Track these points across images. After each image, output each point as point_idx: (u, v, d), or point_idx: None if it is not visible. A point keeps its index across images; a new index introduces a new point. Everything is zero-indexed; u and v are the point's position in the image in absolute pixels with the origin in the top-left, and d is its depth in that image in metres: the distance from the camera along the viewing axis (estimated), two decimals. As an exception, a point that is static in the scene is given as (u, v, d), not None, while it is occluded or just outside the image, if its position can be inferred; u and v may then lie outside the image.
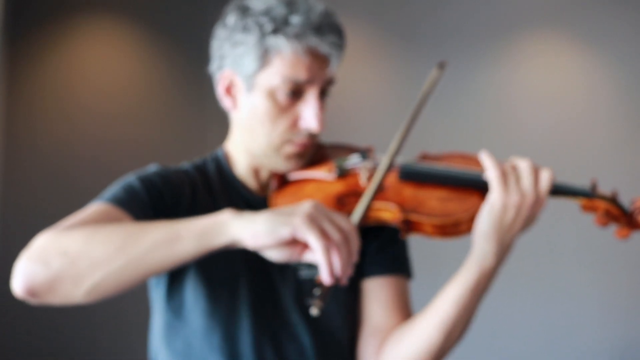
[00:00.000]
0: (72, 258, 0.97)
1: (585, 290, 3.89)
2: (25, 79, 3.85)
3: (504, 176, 1.09)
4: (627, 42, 4.00)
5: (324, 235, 0.94)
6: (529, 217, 1.11)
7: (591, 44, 4.04)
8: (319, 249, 0.94)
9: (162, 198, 1.17)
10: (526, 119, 4.05)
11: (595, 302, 3.88)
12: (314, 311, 0.97)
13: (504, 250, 1.11)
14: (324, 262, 0.94)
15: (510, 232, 1.10)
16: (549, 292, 3.86)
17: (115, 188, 1.16)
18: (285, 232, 0.94)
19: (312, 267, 1.21)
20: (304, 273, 1.21)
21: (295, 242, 0.97)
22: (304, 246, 0.97)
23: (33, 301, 1.00)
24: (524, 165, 1.11)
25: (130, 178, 1.18)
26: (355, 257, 0.97)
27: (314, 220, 0.95)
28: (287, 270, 1.21)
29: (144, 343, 1.29)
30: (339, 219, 0.97)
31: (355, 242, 0.97)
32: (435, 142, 4.03)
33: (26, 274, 0.98)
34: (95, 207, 1.09)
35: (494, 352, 3.79)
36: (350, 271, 0.97)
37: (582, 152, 3.98)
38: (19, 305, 3.65)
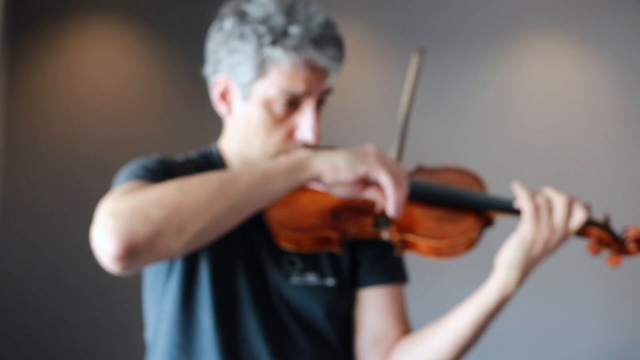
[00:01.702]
0: (173, 208, 0.97)
1: (584, 294, 3.89)
2: (26, 79, 3.85)
3: (537, 211, 1.12)
4: (627, 43, 4.00)
5: (392, 174, 1.06)
6: (554, 249, 1.14)
7: (591, 44, 4.04)
8: (390, 185, 1.05)
9: (174, 177, 1.16)
10: (526, 119, 4.05)
11: (594, 306, 3.88)
12: (386, 235, 1.13)
13: (525, 277, 1.15)
14: (393, 197, 1.06)
15: (535, 262, 1.14)
16: (548, 296, 3.85)
17: (130, 169, 1.15)
18: (362, 169, 1.05)
19: (304, 273, 1.22)
20: (294, 279, 1.21)
21: (361, 180, 1.07)
22: (366, 184, 1.08)
23: (122, 265, 0.95)
24: (559, 202, 1.13)
25: (141, 160, 1.18)
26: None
27: (384, 161, 1.06)
28: (280, 274, 1.21)
29: (143, 342, 1.29)
30: (396, 162, 1.10)
31: (407, 182, 1.10)
32: (435, 142, 4.03)
33: (124, 232, 0.93)
34: (124, 186, 1.07)
35: (493, 354, 3.79)
36: (404, 208, 1.09)
37: (582, 152, 3.98)
38: (19, 304, 3.66)
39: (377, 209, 1.13)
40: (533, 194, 1.13)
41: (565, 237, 1.13)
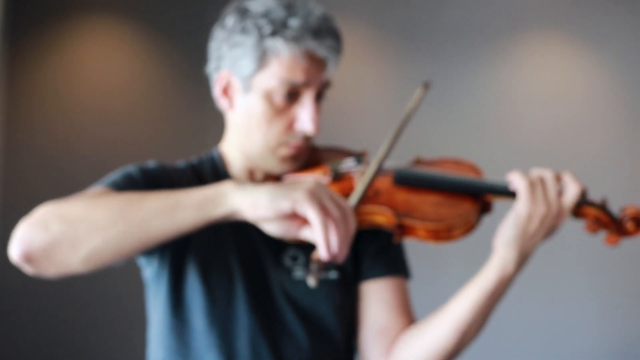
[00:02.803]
0: (71, 222, 0.98)
1: (583, 291, 3.89)
2: (25, 79, 3.85)
3: (532, 186, 1.11)
4: (627, 43, 4.00)
5: (323, 210, 0.95)
6: (552, 228, 1.13)
7: (591, 44, 4.04)
8: (318, 224, 0.94)
9: (160, 187, 1.17)
10: (526, 119, 4.05)
11: (593, 303, 3.88)
12: (312, 282, 0.98)
13: (524, 258, 1.13)
14: (322, 238, 0.94)
15: (532, 241, 1.12)
16: (546, 293, 3.86)
17: (114, 175, 1.18)
18: (285, 205, 0.95)
19: (306, 268, 1.22)
20: (298, 274, 1.22)
21: (294, 217, 0.97)
22: (303, 222, 0.98)
23: (29, 269, 1.00)
24: (549, 176, 1.13)
25: (130, 167, 1.21)
26: (351, 238, 0.98)
27: (314, 196, 0.95)
28: (282, 270, 1.21)
29: (143, 343, 1.29)
30: (339, 198, 0.98)
31: (353, 223, 0.98)
32: (436, 141, 4.04)
33: (24, 238, 0.98)
34: (93, 190, 1.11)
35: (491, 352, 3.79)
36: (346, 251, 0.97)
37: (581, 151, 3.98)
38: (19, 304, 3.66)
39: (314, 254, 0.99)
40: (525, 172, 1.14)
41: (561, 213, 1.12)
